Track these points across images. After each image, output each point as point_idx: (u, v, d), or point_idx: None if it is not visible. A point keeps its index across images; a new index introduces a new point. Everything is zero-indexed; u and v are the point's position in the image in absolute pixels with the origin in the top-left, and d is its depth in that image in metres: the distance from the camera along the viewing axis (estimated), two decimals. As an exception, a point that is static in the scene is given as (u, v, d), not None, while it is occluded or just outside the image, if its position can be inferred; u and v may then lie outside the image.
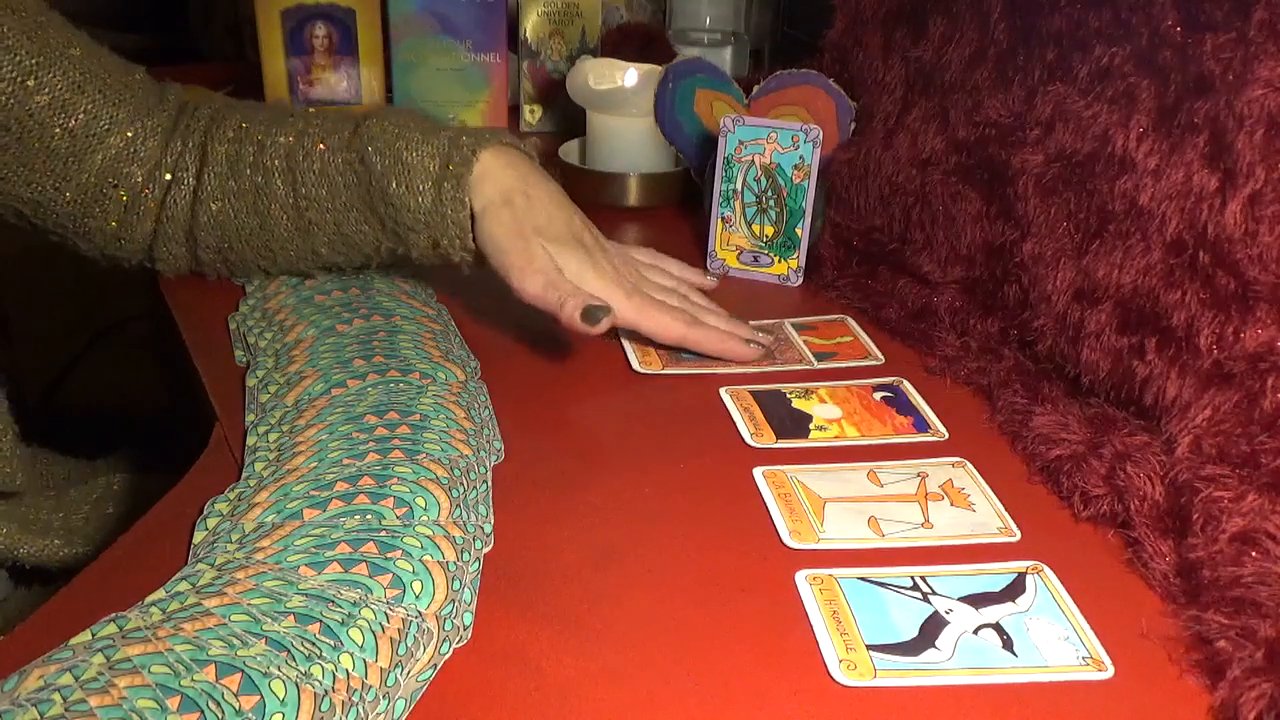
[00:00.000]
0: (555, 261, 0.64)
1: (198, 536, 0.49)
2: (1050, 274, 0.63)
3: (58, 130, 0.65)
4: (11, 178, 0.66)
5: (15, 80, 0.63)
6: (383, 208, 0.67)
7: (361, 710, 0.40)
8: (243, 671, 0.38)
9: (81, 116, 0.66)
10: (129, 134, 0.68)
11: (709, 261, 0.83)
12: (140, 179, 0.69)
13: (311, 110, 0.71)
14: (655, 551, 0.51)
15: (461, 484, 0.52)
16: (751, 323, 0.74)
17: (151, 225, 0.71)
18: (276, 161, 0.68)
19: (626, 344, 0.70)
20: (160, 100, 0.70)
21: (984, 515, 0.54)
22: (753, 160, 0.79)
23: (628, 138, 0.96)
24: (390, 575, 0.45)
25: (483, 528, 0.51)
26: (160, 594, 0.43)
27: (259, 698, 0.38)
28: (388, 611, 0.43)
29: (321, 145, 0.68)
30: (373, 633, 0.42)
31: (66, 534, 0.67)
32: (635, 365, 0.68)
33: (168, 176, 0.69)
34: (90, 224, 0.70)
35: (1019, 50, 0.71)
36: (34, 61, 0.63)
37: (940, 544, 0.52)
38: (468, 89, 1.19)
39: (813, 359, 0.70)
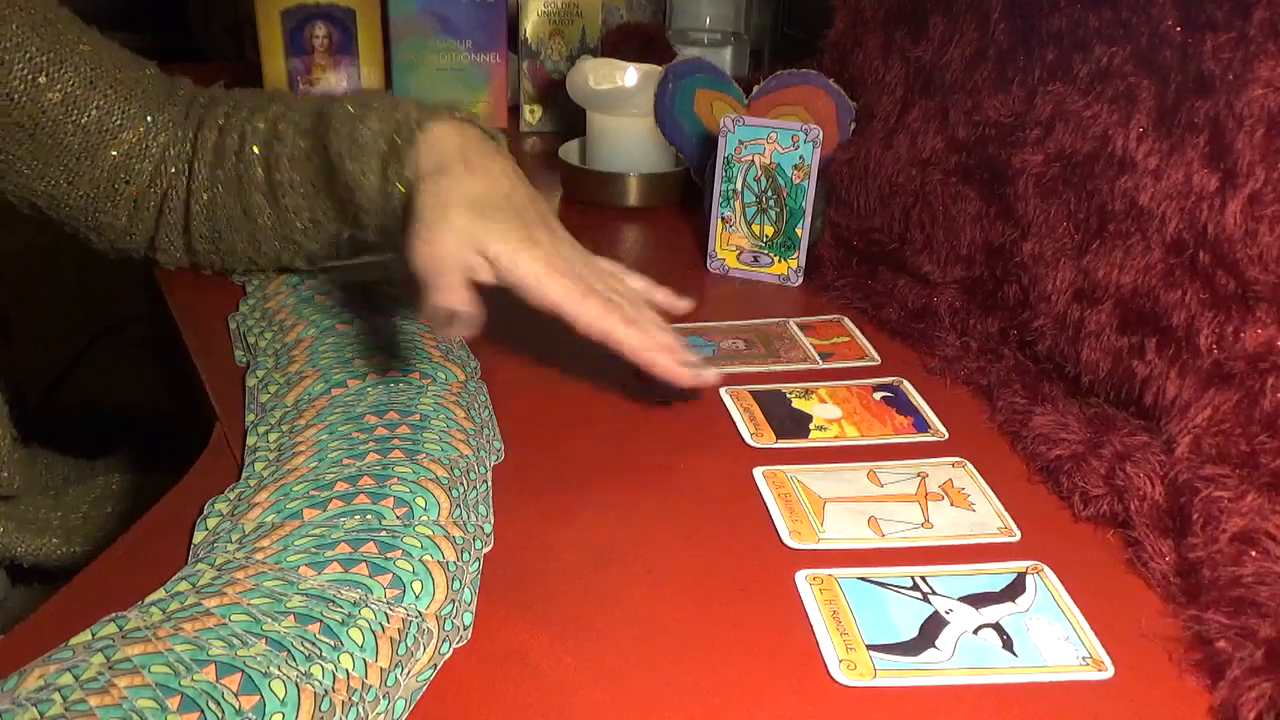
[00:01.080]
0: (476, 236, 0.56)
1: (198, 536, 0.49)
2: (1050, 274, 0.63)
3: (70, 126, 0.65)
4: (26, 172, 0.66)
5: (26, 78, 0.63)
6: (341, 190, 0.65)
7: (361, 710, 0.40)
8: (243, 671, 0.38)
9: (94, 113, 0.66)
10: (140, 129, 0.68)
11: (709, 261, 0.83)
12: (149, 173, 0.69)
13: (290, 94, 0.71)
14: (655, 551, 0.50)
15: (461, 484, 0.52)
16: (756, 321, 0.75)
17: (155, 218, 0.71)
18: (256, 149, 0.68)
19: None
20: (170, 95, 0.70)
21: (984, 515, 0.54)
22: (753, 160, 0.79)
23: (628, 138, 0.96)
24: (390, 575, 0.45)
25: (483, 528, 0.51)
26: (160, 594, 0.43)
27: (259, 698, 0.38)
28: (388, 611, 0.43)
29: (291, 129, 0.67)
30: (373, 633, 0.42)
31: (65, 533, 0.67)
32: None
33: (172, 170, 0.69)
34: (102, 219, 0.70)
35: (1019, 50, 0.71)
36: (45, 58, 0.63)
37: (940, 544, 0.52)
38: (468, 89, 1.19)
39: (817, 358, 0.70)
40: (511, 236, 0.56)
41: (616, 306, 0.59)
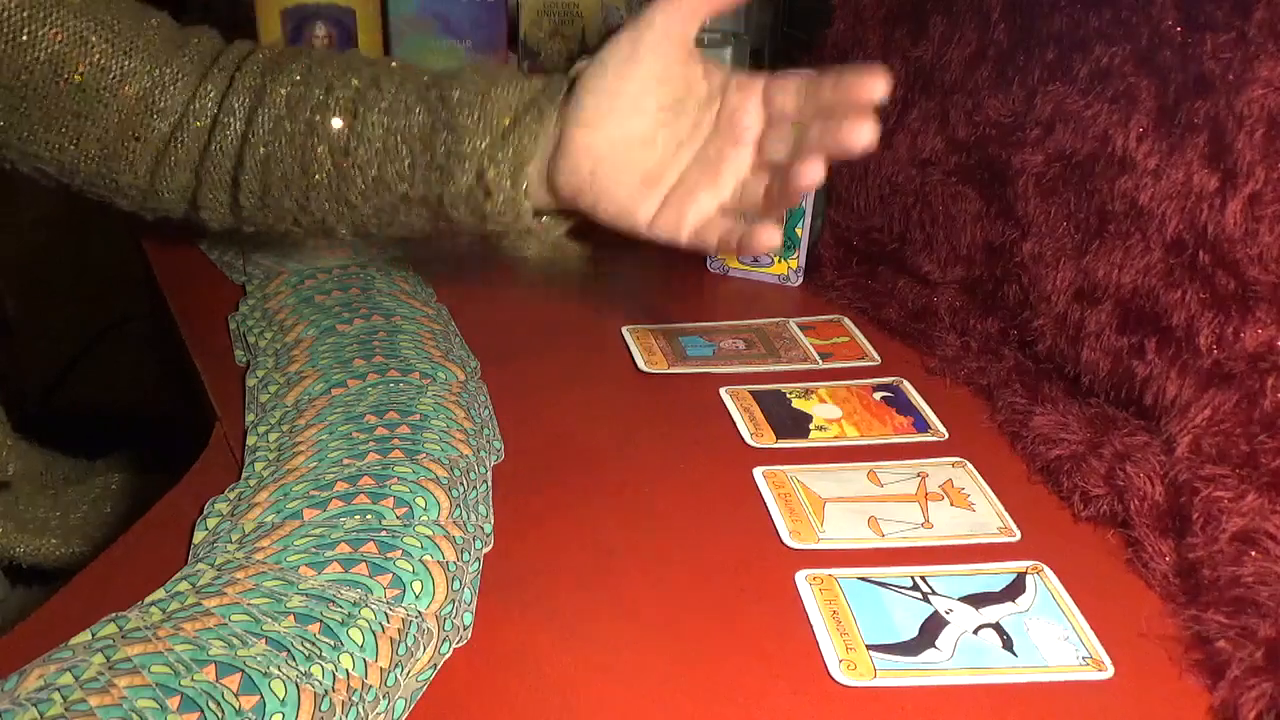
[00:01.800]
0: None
1: (198, 536, 0.49)
2: (1050, 274, 0.63)
3: (62, 85, 0.62)
4: (31, 139, 0.63)
5: (7, 37, 0.59)
6: (442, 140, 0.61)
7: (361, 710, 0.40)
8: (243, 671, 0.38)
9: (87, 69, 0.62)
10: (145, 84, 0.64)
11: (709, 261, 0.83)
12: (165, 129, 0.65)
13: (393, 62, 0.66)
14: (655, 551, 0.50)
15: (461, 484, 0.52)
16: (756, 321, 0.75)
17: (191, 175, 0.67)
18: (343, 102, 0.64)
19: (631, 343, 0.70)
20: (181, 47, 0.66)
21: (984, 515, 0.54)
22: (753, 160, 0.79)
23: (628, 138, 0.96)
24: (390, 575, 0.45)
25: (483, 528, 0.51)
26: (160, 594, 0.43)
27: (259, 698, 0.38)
28: (388, 611, 0.43)
29: (396, 84, 0.63)
30: (373, 632, 0.42)
31: (64, 533, 0.67)
32: (641, 365, 0.68)
33: (205, 123, 0.65)
34: (120, 180, 0.66)
35: (1019, 50, 0.71)
36: (24, 15, 0.60)
37: (940, 544, 0.52)
38: (468, 89, 1.19)
39: (817, 358, 0.70)
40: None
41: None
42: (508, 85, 0.61)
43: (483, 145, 0.61)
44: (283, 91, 0.65)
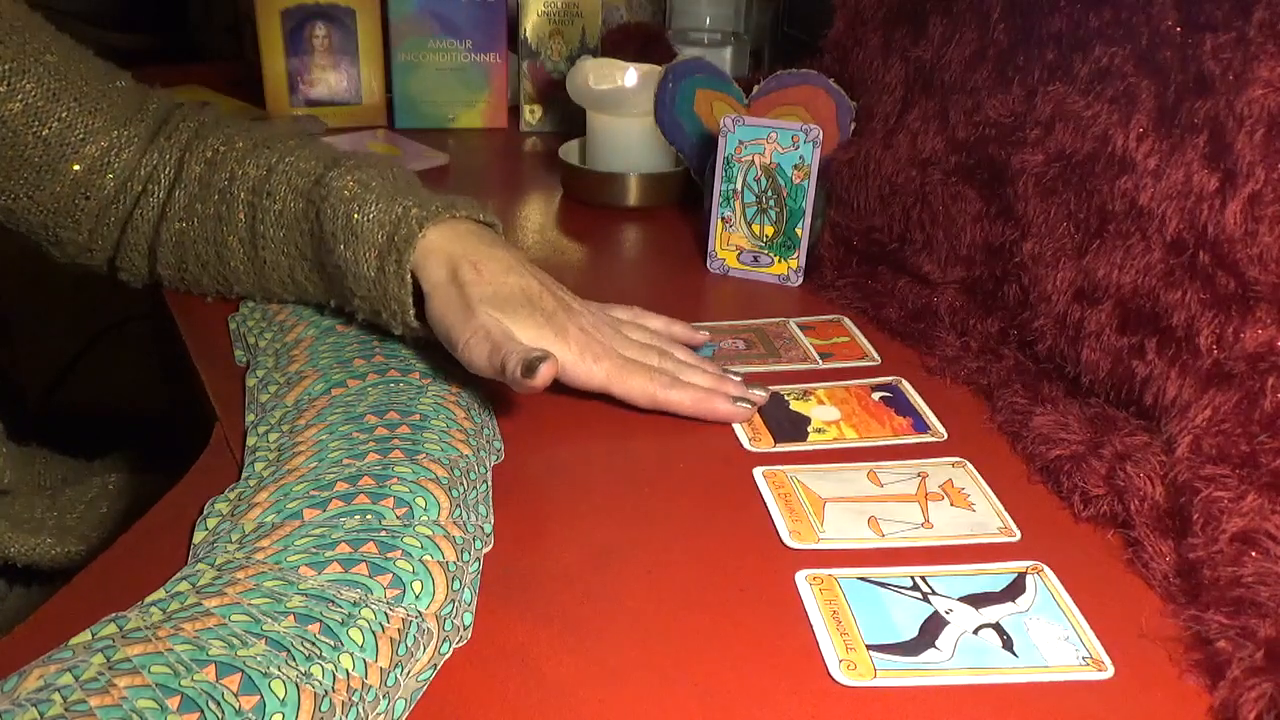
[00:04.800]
0: (507, 328, 0.58)
1: (198, 536, 0.49)
2: (1050, 274, 0.63)
3: (31, 138, 0.64)
4: None
5: None
6: (330, 267, 0.64)
7: (361, 710, 0.40)
8: (243, 671, 0.38)
9: (56, 125, 0.65)
10: (104, 144, 0.67)
11: (709, 261, 0.83)
12: (112, 189, 0.68)
13: (292, 142, 0.68)
14: (655, 551, 0.50)
15: (461, 484, 0.52)
16: (756, 321, 0.75)
17: (118, 235, 0.70)
18: (243, 194, 0.66)
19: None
20: (140, 109, 0.69)
21: (984, 515, 0.54)
22: (753, 160, 0.79)
23: (628, 138, 0.96)
24: (390, 575, 0.45)
25: (483, 528, 0.51)
26: (160, 594, 0.43)
27: (259, 698, 0.38)
28: (388, 611, 0.43)
29: (285, 187, 0.65)
30: (373, 633, 0.42)
31: (59, 533, 0.67)
32: None
33: (139, 189, 0.68)
34: (62, 234, 0.69)
35: (1019, 50, 0.71)
36: (6, 67, 0.62)
37: (940, 544, 0.52)
38: (468, 89, 1.19)
39: (817, 358, 0.70)
40: (541, 334, 0.58)
41: (656, 372, 0.61)
42: (370, 213, 0.61)
43: (363, 286, 0.62)
44: (196, 170, 0.68)
